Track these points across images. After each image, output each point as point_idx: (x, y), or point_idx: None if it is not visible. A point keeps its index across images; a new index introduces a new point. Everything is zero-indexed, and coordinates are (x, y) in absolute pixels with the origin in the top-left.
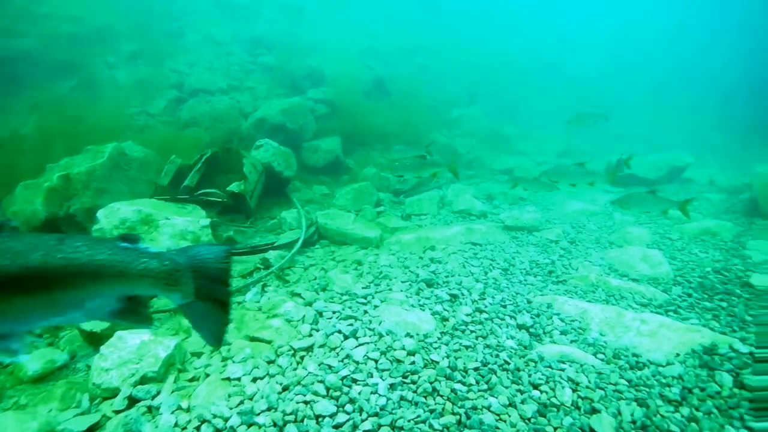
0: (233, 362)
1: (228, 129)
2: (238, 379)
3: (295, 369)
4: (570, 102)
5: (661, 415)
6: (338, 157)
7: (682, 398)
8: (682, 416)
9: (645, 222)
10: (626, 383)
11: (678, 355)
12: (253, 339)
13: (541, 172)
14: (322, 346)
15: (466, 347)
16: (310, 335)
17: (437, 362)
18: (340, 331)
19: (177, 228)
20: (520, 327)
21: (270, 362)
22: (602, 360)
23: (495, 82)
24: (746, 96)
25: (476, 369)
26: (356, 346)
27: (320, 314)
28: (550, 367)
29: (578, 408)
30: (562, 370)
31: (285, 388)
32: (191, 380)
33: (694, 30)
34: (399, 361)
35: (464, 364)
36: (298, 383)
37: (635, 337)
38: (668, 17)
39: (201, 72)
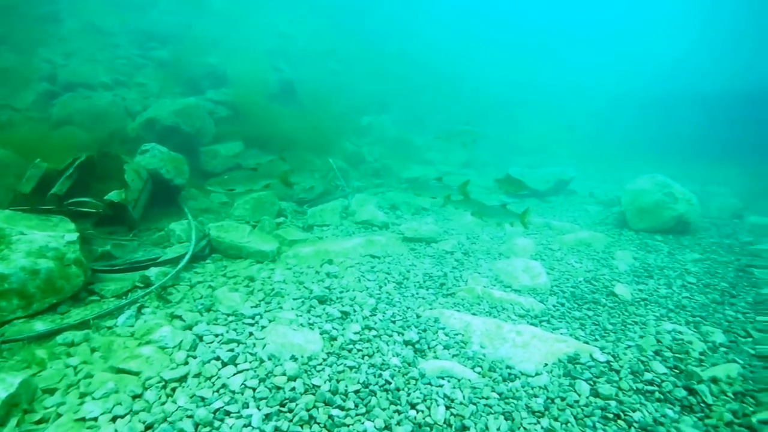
0: (92, 398)
1: (111, 130)
2: (95, 419)
3: (163, 403)
4: (472, 114)
5: (524, 428)
6: (239, 164)
7: (545, 409)
8: (542, 427)
9: (532, 233)
10: (497, 396)
11: (546, 365)
12: (119, 371)
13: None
14: (197, 375)
15: (351, 368)
16: (186, 363)
17: (318, 387)
18: (218, 358)
19: (35, 244)
20: (406, 343)
21: (135, 397)
22: (479, 373)
23: (407, 91)
24: (630, 115)
25: (357, 391)
26: (234, 374)
27: (200, 338)
28: (429, 384)
29: (450, 426)
30: (441, 386)
31: (148, 427)
32: (39, 422)
33: (593, 49)
34: (278, 388)
35: (346, 386)
36: (165, 420)
37: (511, 349)
38: (569, 34)
39: (79, 64)
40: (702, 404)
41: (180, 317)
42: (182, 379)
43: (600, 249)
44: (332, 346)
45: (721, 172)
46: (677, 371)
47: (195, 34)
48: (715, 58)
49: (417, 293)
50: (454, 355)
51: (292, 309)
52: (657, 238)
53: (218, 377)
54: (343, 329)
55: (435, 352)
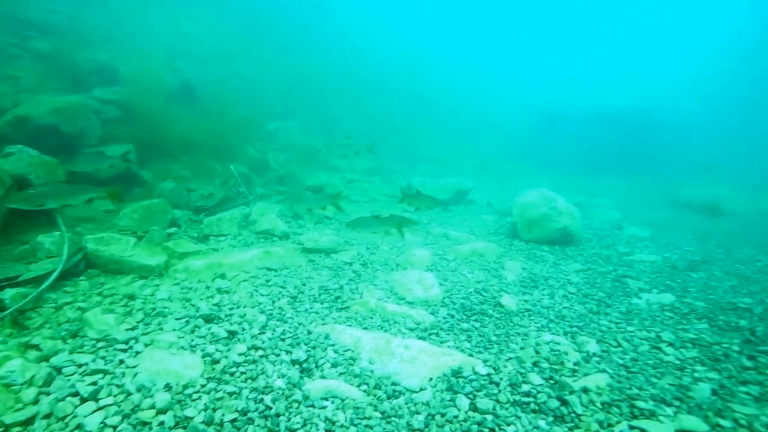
0: None
1: None
2: None
3: None
4: (378, 122)
5: None
6: (130, 168)
7: (425, 426)
8: None
9: (430, 243)
10: (380, 416)
11: (431, 379)
12: None
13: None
14: (47, 416)
15: (230, 394)
16: (35, 402)
17: (191, 418)
18: (77, 393)
19: None
20: (293, 363)
21: None
22: (364, 392)
23: (315, 96)
24: (532, 130)
25: (233, 420)
26: (93, 411)
27: (58, 371)
28: (312, 406)
29: None
30: (324, 408)
31: None
32: None
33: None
34: (144, 424)
35: (222, 416)
36: None
37: (398, 364)
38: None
39: None
40: (573, 414)
41: (36, 346)
42: (28, 422)
43: (492, 259)
44: (214, 370)
45: (607, 185)
46: (552, 382)
47: (83, 27)
48: (603, 80)
49: (311, 308)
50: (341, 374)
51: (174, 330)
52: (544, 248)
53: (74, 416)
54: (228, 350)
55: (322, 370)
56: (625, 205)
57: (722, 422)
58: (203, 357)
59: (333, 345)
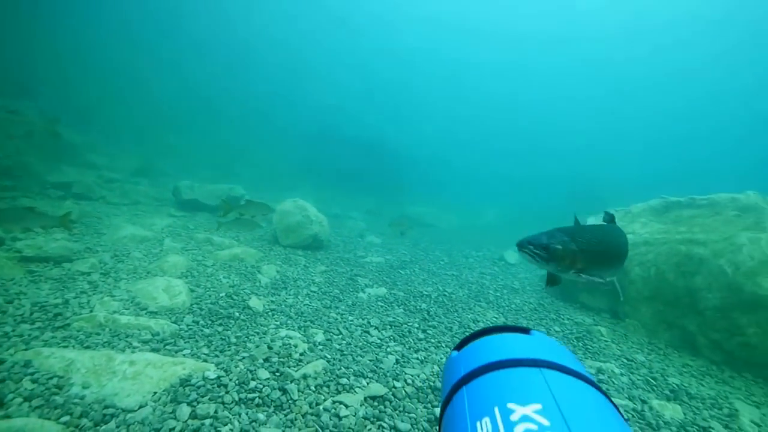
0: None
1: None
2: None
3: None
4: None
5: None
6: None
7: None
8: None
9: (191, 248)
10: None
11: (155, 393)
12: None
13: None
14: None
15: None
16: None
17: None
18: None
19: None
20: None
21: None
22: (65, 424)
23: (67, 78)
24: (305, 146)
25: None
26: None
27: None
28: None
29: None
30: None
31: None
32: None
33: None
34: None
35: None
36: None
37: (119, 383)
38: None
39: None
40: (290, 401)
41: None
42: None
43: (251, 264)
44: None
45: (361, 201)
46: (278, 375)
47: None
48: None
49: (13, 331)
50: (37, 407)
51: None
52: (299, 252)
53: None
54: None
55: (8, 408)
56: (369, 219)
57: (396, 384)
58: None
59: (33, 374)
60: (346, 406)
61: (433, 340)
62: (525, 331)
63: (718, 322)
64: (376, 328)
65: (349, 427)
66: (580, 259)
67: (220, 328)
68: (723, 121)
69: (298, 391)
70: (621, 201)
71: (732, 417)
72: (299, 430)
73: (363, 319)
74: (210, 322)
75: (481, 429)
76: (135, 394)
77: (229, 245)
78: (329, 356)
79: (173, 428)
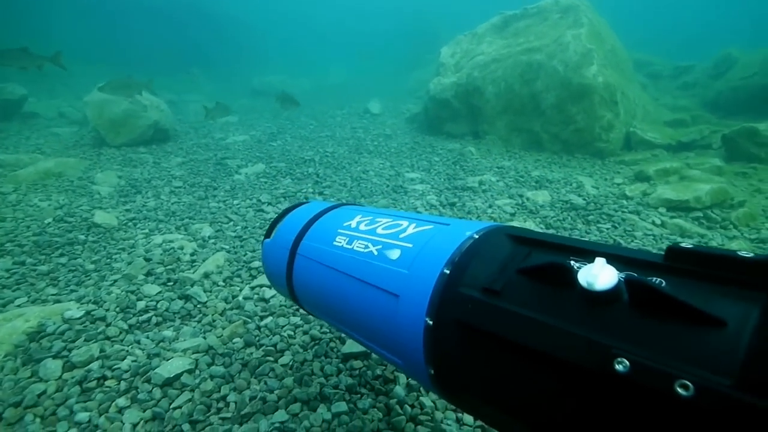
0: None
1: None
2: None
3: None
4: None
5: None
6: None
7: None
8: None
9: None
10: None
11: None
12: None
13: None
14: None
15: None
16: None
17: None
18: None
19: None
20: None
21: None
22: None
23: None
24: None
25: None
26: None
27: None
28: None
29: None
30: None
31: None
32: None
33: None
34: None
35: None
36: None
37: None
38: None
39: None
40: (199, 305)
41: None
42: None
43: (76, 176)
44: None
45: (190, 82)
46: (172, 284)
47: None
48: None
49: None
50: None
51: None
52: (141, 150)
53: None
54: None
55: None
56: (212, 97)
57: None
58: None
59: None
60: (269, 287)
61: (332, 200)
62: (304, 203)
63: (556, 117)
64: (269, 204)
65: (280, 305)
66: None
67: (63, 260)
68: None
69: (205, 291)
70: (462, 29)
71: (579, 187)
72: (224, 329)
73: (251, 200)
74: (45, 257)
75: (340, 244)
76: None
77: (31, 161)
78: (227, 246)
79: (43, 392)
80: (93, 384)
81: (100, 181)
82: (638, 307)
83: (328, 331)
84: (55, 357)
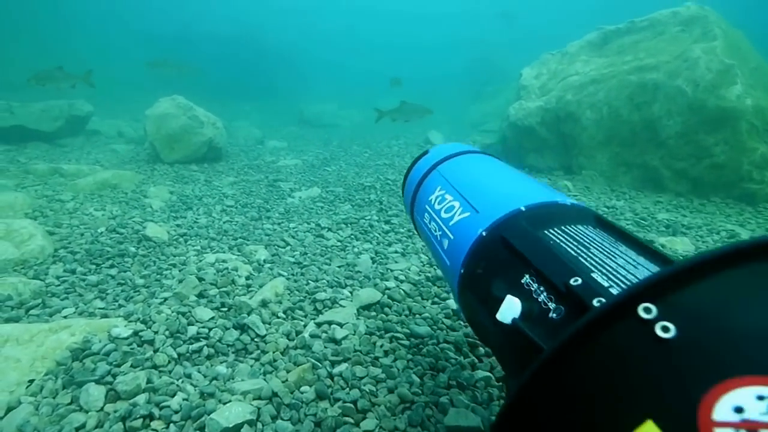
0: None
1: None
2: None
3: None
4: None
5: None
6: None
7: None
8: None
9: (30, 185)
10: None
11: (33, 382)
12: None
13: None
14: None
15: None
16: None
17: None
18: None
19: None
20: None
21: None
22: None
23: None
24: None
25: None
26: None
27: None
28: None
29: None
30: None
31: None
32: None
33: None
34: None
35: None
36: None
37: None
38: None
39: None
40: (257, 339)
41: None
42: None
43: (130, 189)
44: None
45: (240, 108)
46: (226, 309)
47: None
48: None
49: None
50: None
51: None
52: (193, 168)
53: None
54: None
55: None
56: (262, 124)
57: (388, 284)
58: None
59: None
60: (341, 325)
61: (402, 230)
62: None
63: (682, 149)
64: (330, 229)
65: (355, 350)
66: None
67: (113, 271)
68: None
69: (264, 323)
70: (528, 56)
71: (733, 238)
72: (288, 372)
73: (309, 224)
74: (95, 267)
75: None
76: None
77: (90, 171)
78: (285, 273)
79: (83, 425)
80: (138, 424)
81: (153, 195)
82: None
83: (420, 392)
84: (98, 382)
